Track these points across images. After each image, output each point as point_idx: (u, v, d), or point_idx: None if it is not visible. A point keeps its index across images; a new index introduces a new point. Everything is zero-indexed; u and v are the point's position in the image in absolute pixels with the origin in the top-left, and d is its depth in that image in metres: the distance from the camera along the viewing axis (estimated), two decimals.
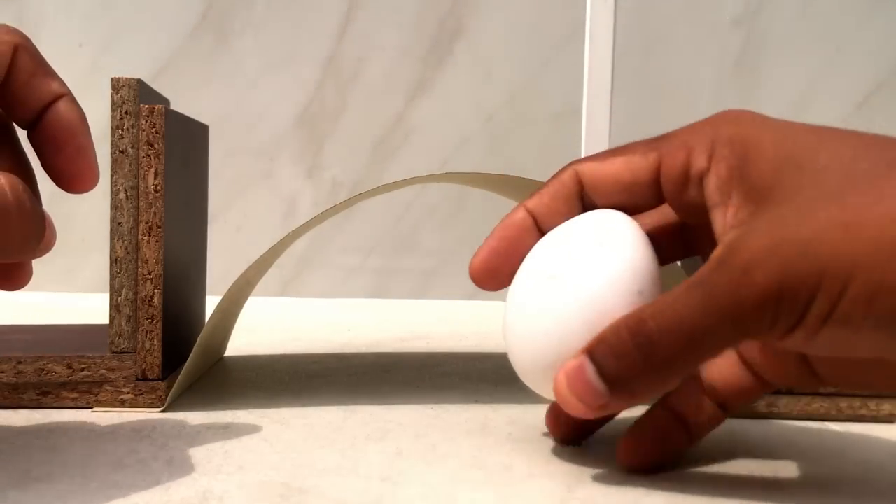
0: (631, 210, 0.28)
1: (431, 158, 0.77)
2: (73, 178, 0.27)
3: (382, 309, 0.71)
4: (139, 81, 0.34)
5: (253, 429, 0.31)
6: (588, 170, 0.28)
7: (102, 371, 0.33)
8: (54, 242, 0.26)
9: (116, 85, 0.33)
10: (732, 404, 0.28)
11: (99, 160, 0.27)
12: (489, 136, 0.78)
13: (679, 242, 0.29)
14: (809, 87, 0.79)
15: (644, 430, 0.28)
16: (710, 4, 0.78)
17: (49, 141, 0.26)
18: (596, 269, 0.25)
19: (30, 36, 0.26)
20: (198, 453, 0.28)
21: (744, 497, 0.24)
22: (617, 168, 0.27)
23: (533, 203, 0.28)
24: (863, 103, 0.79)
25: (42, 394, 0.33)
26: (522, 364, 0.26)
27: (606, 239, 0.26)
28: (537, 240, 0.28)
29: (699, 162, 0.25)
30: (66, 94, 0.27)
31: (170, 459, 0.27)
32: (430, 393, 0.37)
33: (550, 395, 0.25)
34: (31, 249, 0.25)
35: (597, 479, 0.26)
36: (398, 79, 0.78)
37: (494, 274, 0.28)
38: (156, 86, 0.38)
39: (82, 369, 0.33)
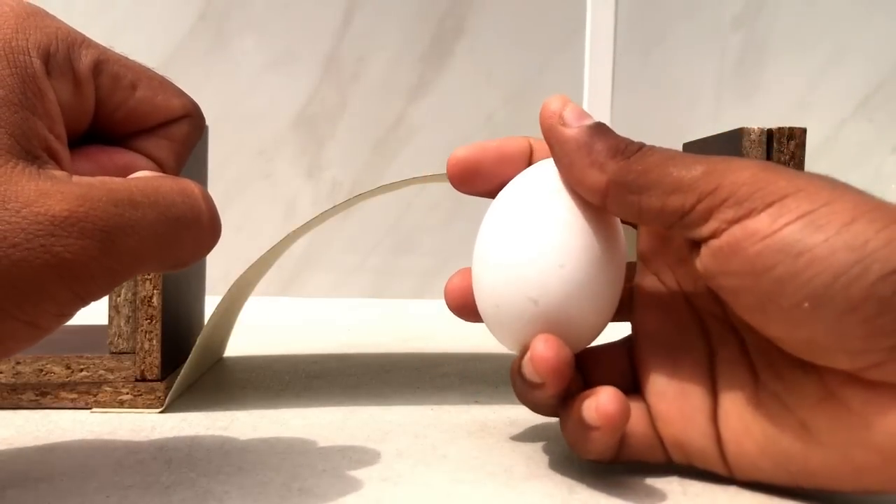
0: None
1: (431, 158, 0.77)
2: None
3: (382, 309, 0.71)
4: None
5: (252, 429, 0.31)
6: None
7: (101, 371, 0.33)
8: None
9: None
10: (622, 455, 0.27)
11: None
12: (489, 137, 0.78)
13: None
14: (809, 88, 0.79)
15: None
16: (710, 4, 0.78)
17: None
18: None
19: None
20: (197, 454, 0.28)
21: (744, 495, 0.24)
22: None
23: (538, 144, 0.29)
24: (862, 104, 0.79)
25: (41, 394, 0.33)
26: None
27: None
28: (521, 170, 0.28)
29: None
30: None
31: (169, 460, 0.27)
32: (429, 393, 0.37)
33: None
34: (202, 256, 0.24)
35: (598, 479, 0.26)
36: (398, 79, 0.78)
37: (473, 173, 0.28)
38: None
39: (81, 370, 0.33)
